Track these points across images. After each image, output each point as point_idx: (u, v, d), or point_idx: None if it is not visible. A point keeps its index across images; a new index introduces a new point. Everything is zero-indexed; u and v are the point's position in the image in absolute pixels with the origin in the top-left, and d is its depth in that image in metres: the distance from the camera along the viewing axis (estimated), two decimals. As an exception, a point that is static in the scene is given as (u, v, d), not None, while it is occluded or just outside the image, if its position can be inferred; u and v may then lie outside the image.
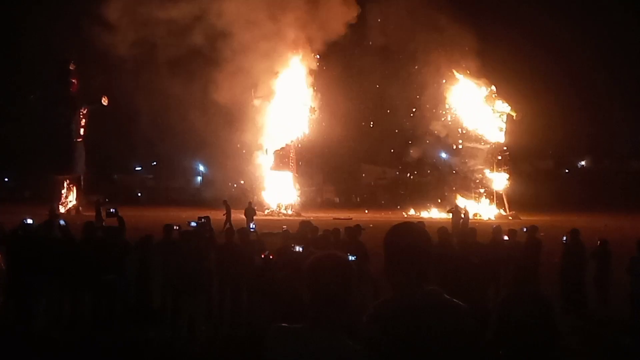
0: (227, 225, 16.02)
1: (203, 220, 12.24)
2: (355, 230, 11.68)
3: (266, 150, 52.44)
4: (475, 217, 43.63)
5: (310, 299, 2.80)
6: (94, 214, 26.82)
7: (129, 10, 46.61)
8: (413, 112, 55.44)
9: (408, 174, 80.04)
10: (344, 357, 2.66)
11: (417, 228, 3.08)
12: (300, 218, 43.28)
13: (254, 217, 29.87)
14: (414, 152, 60.06)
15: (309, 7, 49.95)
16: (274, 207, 50.59)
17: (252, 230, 12.74)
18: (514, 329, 5.53)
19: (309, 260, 2.89)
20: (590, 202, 57.42)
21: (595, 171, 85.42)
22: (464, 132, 53.42)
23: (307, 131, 53.02)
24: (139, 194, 76.45)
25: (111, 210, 11.45)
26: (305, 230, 12.16)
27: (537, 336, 5.39)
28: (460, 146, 54.06)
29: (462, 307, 2.93)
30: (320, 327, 2.73)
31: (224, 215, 29.19)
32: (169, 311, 10.58)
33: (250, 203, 32.03)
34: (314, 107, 52.74)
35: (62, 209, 45.26)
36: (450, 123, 53.76)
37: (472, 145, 52.90)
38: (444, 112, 53.69)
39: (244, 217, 30.03)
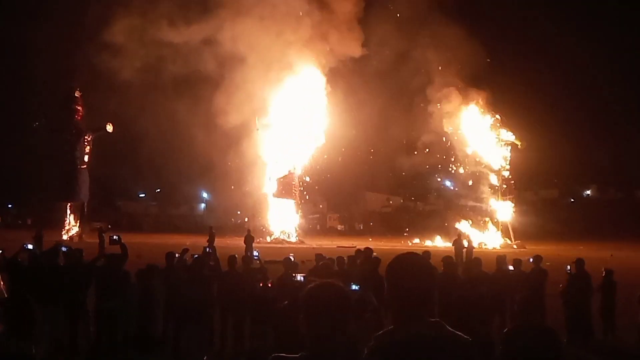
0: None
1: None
2: (373, 260, 11.59)
3: (269, 178, 52.50)
4: (481, 247, 43.42)
5: (306, 328, 2.78)
6: (97, 240, 26.77)
7: (133, 36, 47.30)
8: (418, 141, 55.54)
9: (413, 202, 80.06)
10: None
11: (421, 259, 3.02)
12: (304, 245, 43.17)
13: (254, 245, 29.71)
14: (418, 180, 60.07)
15: (315, 35, 50.46)
16: (277, 234, 50.48)
17: (255, 258, 12.65)
18: (519, 361, 5.41)
19: (305, 290, 2.87)
20: (595, 232, 57.16)
21: (601, 200, 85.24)
22: (469, 161, 53.45)
23: (310, 158, 53.18)
24: (143, 220, 76.53)
25: (114, 237, 11.39)
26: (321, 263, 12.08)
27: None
28: (465, 175, 54.03)
29: (464, 340, 2.86)
30: (318, 357, 2.71)
31: (207, 242, 29.00)
32: (171, 340, 10.47)
33: (249, 231, 31.89)
34: (317, 135, 52.95)
35: (65, 236, 45.20)
36: (455, 152, 53.84)
37: (477, 173, 52.87)
38: (449, 141, 53.76)
39: (243, 244, 29.91)
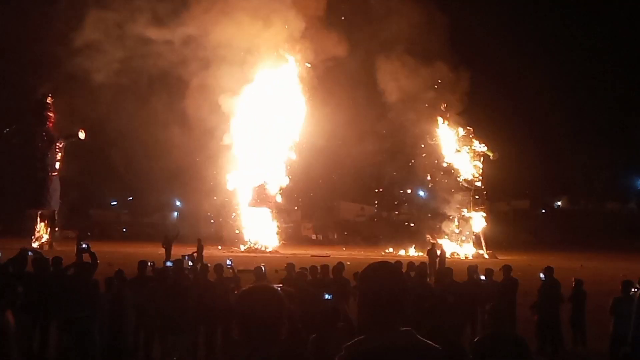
0: (200, 264, 15.66)
1: (187, 258, 12.08)
2: (339, 267, 11.62)
3: (243, 187, 52.24)
4: (453, 256, 43.69)
5: (239, 333, 2.76)
6: (67, 249, 26.44)
7: (104, 39, 47.06)
8: (392, 152, 55.85)
9: (386, 212, 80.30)
10: None
11: (392, 268, 3.01)
12: (278, 255, 43.04)
13: (228, 254, 29.52)
14: (392, 190, 60.33)
15: (295, 38, 50.51)
16: (251, 243, 50.28)
17: (228, 266, 12.58)
18: (490, 370, 5.46)
19: (238, 293, 2.83)
20: (566, 242, 57.89)
21: (572, 211, 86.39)
22: (442, 172, 53.85)
23: (285, 168, 53.11)
24: (124, 230, 75.63)
25: (83, 245, 11.25)
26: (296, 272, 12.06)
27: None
28: (438, 185, 54.38)
29: (434, 348, 2.87)
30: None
31: (194, 253, 28.78)
32: (142, 350, 10.36)
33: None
34: (292, 146, 52.95)
35: (35, 244, 44.48)
36: (428, 163, 54.19)
37: (450, 184, 53.25)
38: (422, 153, 54.11)
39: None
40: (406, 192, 65.59)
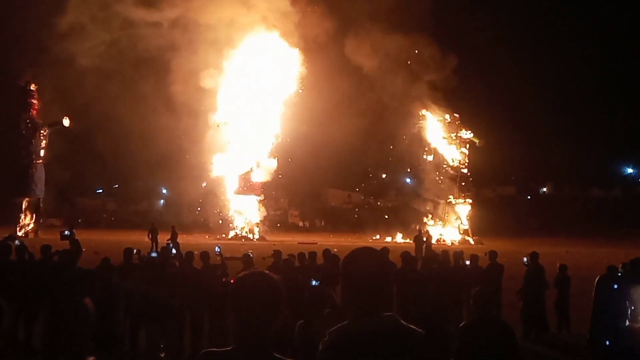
0: (171, 246, 15.49)
1: (171, 245, 12.04)
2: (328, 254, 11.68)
3: (230, 174, 52.11)
4: (439, 242, 43.92)
5: (234, 319, 2.75)
6: (52, 237, 26.20)
7: (87, 23, 46.50)
8: (377, 139, 55.90)
9: (373, 199, 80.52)
10: None
11: (375, 254, 3.00)
12: (265, 242, 43.06)
13: (216, 240, 29.39)
14: (378, 177, 60.43)
15: (277, 19, 50.20)
16: (238, 231, 50.25)
17: (217, 252, 12.56)
18: (475, 355, 5.50)
19: (234, 279, 2.83)
20: (551, 229, 58.35)
21: (557, 198, 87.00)
22: (428, 158, 54.00)
23: (272, 154, 52.98)
24: (112, 218, 75.16)
25: (65, 232, 11.12)
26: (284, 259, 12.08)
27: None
28: (424, 172, 54.56)
29: (418, 333, 2.87)
30: (247, 347, 2.70)
31: (168, 240, 28.65)
32: (129, 337, 10.34)
33: (173, 227, 31.46)
34: (279, 133, 52.81)
35: (20, 232, 44.20)
36: (414, 149, 54.32)
37: (436, 171, 53.45)
38: (408, 139, 54.19)
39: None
40: (392, 179, 65.74)
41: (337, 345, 2.81)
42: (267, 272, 2.87)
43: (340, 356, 2.79)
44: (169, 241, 25.79)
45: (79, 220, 39.86)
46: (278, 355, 2.71)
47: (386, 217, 60.05)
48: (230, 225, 51.35)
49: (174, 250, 13.17)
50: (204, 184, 53.07)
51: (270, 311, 2.73)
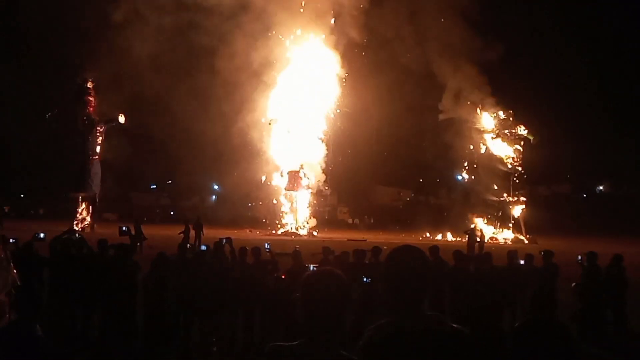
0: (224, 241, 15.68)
1: (224, 241, 12.17)
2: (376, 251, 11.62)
3: (281, 173, 52.45)
4: (492, 241, 43.26)
5: (304, 314, 2.78)
6: (108, 231, 26.84)
7: (147, 23, 47.17)
8: (430, 135, 55.39)
9: (423, 196, 79.81)
10: None
11: (417, 252, 3.02)
12: (314, 239, 43.20)
13: (266, 237, 29.63)
14: (429, 175, 59.85)
15: (324, 19, 50.29)
16: (287, 227, 50.54)
17: (267, 250, 12.66)
18: (530, 357, 5.38)
19: (304, 276, 2.87)
20: (608, 227, 56.83)
21: (614, 196, 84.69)
22: (482, 155, 53.24)
23: (322, 151, 53.10)
24: (172, 212, 76.32)
25: (124, 228, 11.41)
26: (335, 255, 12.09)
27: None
28: (477, 169, 53.82)
29: (463, 333, 2.86)
30: (315, 343, 2.72)
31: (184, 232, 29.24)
32: (182, 331, 10.50)
33: (198, 218, 31.80)
34: (327, 131, 52.88)
35: (77, 227, 45.42)
36: (467, 146, 53.61)
37: (489, 168, 52.64)
38: (460, 136, 53.48)
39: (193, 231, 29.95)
40: (444, 176, 64.99)
41: (375, 343, 2.81)
42: (335, 270, 2.89)
43: (378, 354, 2.79)
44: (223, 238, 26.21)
45: (145, 219, 40.25)
46: (344, 353, 2.73)
47: (441, 214, 59.35)
48: (280, 221, 51.68)
49: (203, 247, 13.20)
50: (258, 180, 53.44)
51: (339, 307, 2.77)
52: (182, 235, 28.88)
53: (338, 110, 52.72)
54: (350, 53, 51.41)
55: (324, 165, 53.30)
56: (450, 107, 51.98)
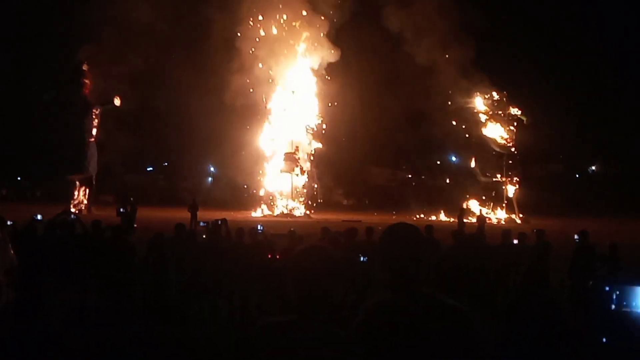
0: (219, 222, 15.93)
1: (220, 222, 12.26)
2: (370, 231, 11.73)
3: (275, 153, 52.44)
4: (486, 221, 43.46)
5: (294, 290, 2.79)
6: (104, 213, 26.98)
7: (141, 6, 46.82)
8: (424, 117, 55.35)
9: (418, 177, 79.92)
10: (333, 345, 2.66)
11: (412, 229, 3.03)
12: (309, 220, 43.33)
13: (260, 219, 29.75)
14: (423, 155, 59.87)
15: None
16: (283, 208, 50.63)
17: (259, 230, 12.77)
18: (523, 332, 5.51)
19: (294, 252, 2.87)
20: (601, 207, 57.09)
21: (607, 176, 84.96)
22: (475, 135, 53.30)
23: (317, 132, 53.06)
24: (153, 195, 76.13)
25: (121, 209, 11.50)
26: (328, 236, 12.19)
27: (547, 340, 5.37)
28: (470, 150, 53.91)
29: (458, 309, 2.86)
30: (305, 318, 2.73)
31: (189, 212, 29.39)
32: (180, 309, 10.61)
33: (194, 199, 31.96)
34: (323, 112, 52.81)
35: (73, 209, 45.44)
36: (460, 127, 53.66)
37: (482, 148, 52.73)
38: (454, 116, 53.50)
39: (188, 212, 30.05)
40: (438, 157, 65.10)
41: (371, 320, 2.84)
42: (326, 246, 2.92)
43: (373, 331, 2.81)
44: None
45: (131, 199, 40.47)
46: (335, 329, 2.72)
47: (435, 195, 59.51)
48: (276, 202, 51.73)
49: (202, 223, 13.31)
50: (249, 162, 53.46)
51: (327, 282, 2.76)
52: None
53: (329, 104, 52.67)
54: (343, 35, 51.21)
55: (319, 147, 53.28)
56: (443, 90, 51.91)
